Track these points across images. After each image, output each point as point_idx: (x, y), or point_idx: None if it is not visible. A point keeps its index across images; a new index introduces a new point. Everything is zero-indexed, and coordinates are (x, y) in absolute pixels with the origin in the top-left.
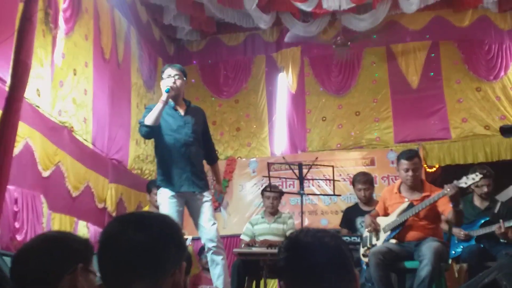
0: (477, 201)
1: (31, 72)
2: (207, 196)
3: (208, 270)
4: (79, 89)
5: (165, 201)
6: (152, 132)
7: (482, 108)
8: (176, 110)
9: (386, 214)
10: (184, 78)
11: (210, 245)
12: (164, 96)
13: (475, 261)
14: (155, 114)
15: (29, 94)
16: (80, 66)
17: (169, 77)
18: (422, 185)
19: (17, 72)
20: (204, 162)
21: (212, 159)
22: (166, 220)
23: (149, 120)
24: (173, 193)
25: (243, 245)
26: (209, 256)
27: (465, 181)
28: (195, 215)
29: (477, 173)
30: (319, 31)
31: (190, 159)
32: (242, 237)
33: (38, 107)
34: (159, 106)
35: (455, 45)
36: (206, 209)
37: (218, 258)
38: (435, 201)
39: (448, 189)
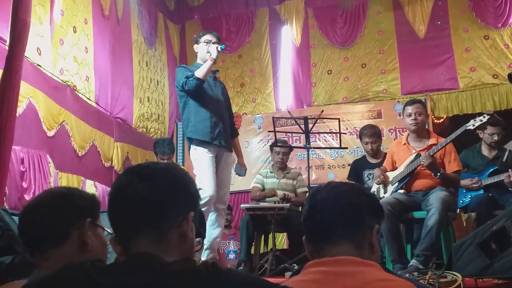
0: (485, 151)
1: (31, 31)
2: (231, 158)
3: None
4: (79, 47)
5: (203, 158)
6: (201, 86)
7: (490, 57)
8: None
9: (394, 168)
10: None
11: (220, 207)
12: (214, 53)
13: (483, 210)
14: (205, 69)
15: (30, 53)
16: (79, 23)
17: (209, 43)
18: (428, 134)
19: (16, 30)
20: None
21: (233, 132)
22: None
23: (200, 74)
24: (208, 150)
25: (257, 194)
26: (213, 216)
27: (473, 123)
28: (218, 172)
29: (484, 115)
30: None
31: (222, 116)
32: (254, 185)
33: (40, 66)
34: (209, 63)
35: None
36: (229, 172)
37: (222, 221)
38: (439, 149)
39: (423, 160)
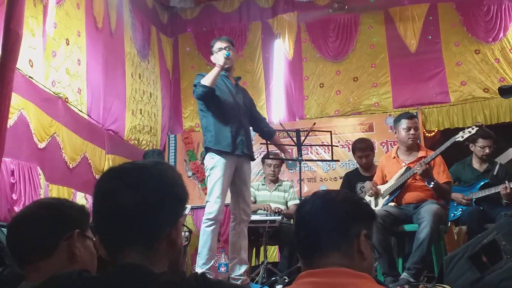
0: (476, 164)
1: (23, 43)
2: (250, 166)
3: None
4: (72, 59)
5: (220, 169)
6: (208, 93)
7: (481, 71)
8: (228, 78)
9: (384, 182)
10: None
11: (245, 218)
12: (221, 60)
13: (474, 223)
14: (212, 76)
15: (22, 65)
16: (72, 36)
17: (221, 50)
18: (418, 147)
19: (8, 42)
20: None
21: (270, 132)
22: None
23: (206, 81)
24: (227, 161)
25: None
26: (238, 227)
27: (462, 135)
28: (238, 182)
29: (473, 127)
30: None
31: (243, 124)
32: None
33: (32, 78)
34: (216, 70)
35: (453, 7)
36: (249, 181)
37: (246, 231)
38: (429, 161)
39: (417, 168)
